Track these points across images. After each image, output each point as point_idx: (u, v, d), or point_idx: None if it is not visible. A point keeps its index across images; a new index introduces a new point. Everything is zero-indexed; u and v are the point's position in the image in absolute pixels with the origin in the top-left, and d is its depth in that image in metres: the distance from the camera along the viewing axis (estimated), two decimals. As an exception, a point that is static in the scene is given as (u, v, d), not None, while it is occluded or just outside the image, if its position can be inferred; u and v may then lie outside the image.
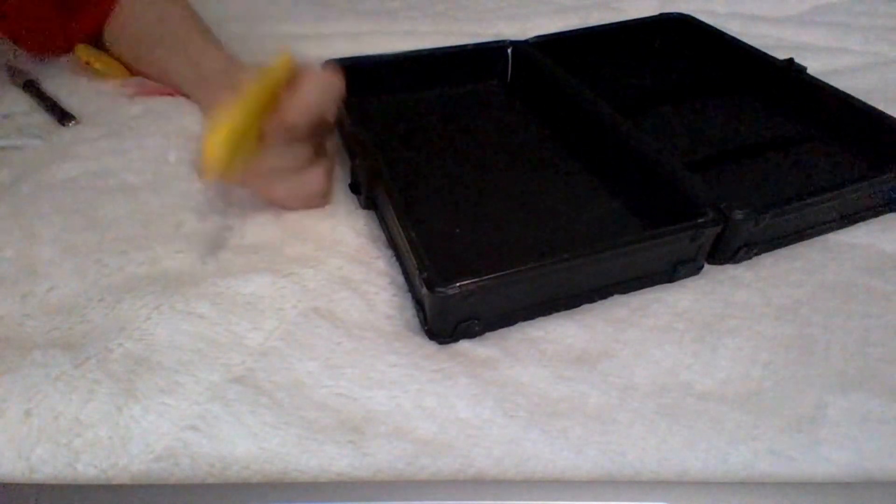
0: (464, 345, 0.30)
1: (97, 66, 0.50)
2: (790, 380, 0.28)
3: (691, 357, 0.29)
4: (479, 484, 0.24)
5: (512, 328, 0.30)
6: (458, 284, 0.27)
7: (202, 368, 0.28)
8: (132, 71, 0.51)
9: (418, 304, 0.31)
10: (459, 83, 0.49)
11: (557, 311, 0.31)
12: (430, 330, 0.30)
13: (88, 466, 0.24)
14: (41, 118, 0.46)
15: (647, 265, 0.32)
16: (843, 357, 0.29)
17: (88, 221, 0.36)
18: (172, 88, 0.48)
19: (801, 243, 0.36)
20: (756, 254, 0.35)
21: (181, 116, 0.45)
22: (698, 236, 0.31)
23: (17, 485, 0.24)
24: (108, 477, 0.24)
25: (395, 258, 0.34)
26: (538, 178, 0.40)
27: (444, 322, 0.29)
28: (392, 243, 0.35)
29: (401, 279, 0.33)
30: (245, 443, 0.25)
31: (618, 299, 0.32)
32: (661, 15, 0.55)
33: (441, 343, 0.30)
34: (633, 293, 0.32)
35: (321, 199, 0.37)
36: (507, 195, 0.38)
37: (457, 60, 0.48)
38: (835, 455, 0.25)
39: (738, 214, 0.32)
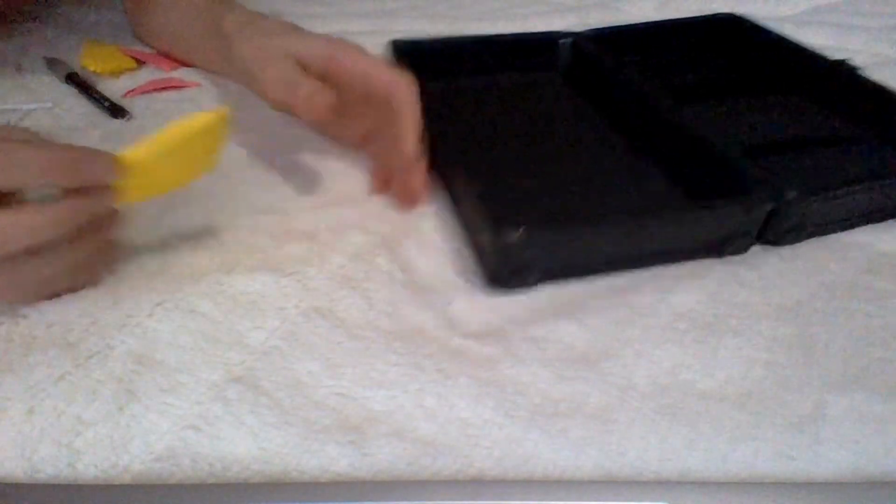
0: (464, 344, 0.30)
1: (94, 68, 0.50)
2: (790, 380, 0.28)
3: (692, 357, 0.29)
4: (479, 484, 0.24)
5: (513, 328, 0.30)
6: (520, 229, 0.29)
7: (203, 367, 0.28)
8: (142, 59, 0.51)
9: (479, 254, 0.33)
10: (516, 70, 0.50)
11: (608, 272, 0.33)
12: (490, 277, 0.32)
13: (89, 466, 0.24)
14: (90, 111, 0.46)
15: (698, 237, 0.34)
16: (843, 357, 0.29)
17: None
18: (178, 81, 0.49)
19: (801, 243, 0.36)
20: (806, 237, 0.36)
21: (182, 114, 0.46)
22: (750, 211, 0.33)
23: (19, 485, 0.24)
24: (108, 477, 0.24)
25: (395, 259, 0.34)
26: (591, 158, 0.42)
27: (503, 268, 0.31)
28: (455, 203, 0.37)
29: (401, 276, 0.33)
30: (245, 443, 0.25)
31: (619, 299, 0.32)
32: (713, 14, 0.56)
33: (499, 289, 0.32)
34: (634, 293, 0.32)
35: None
36: (561, 172, 0.40)
37: (515, 48, 0.50)
38: (835, 455, 0.25)
39: (791, 194, 0.33)
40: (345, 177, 0.40)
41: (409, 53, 0.46)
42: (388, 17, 0.63)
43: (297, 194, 0.39)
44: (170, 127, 0.30)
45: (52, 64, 0.51)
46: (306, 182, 0.40)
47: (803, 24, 0.62)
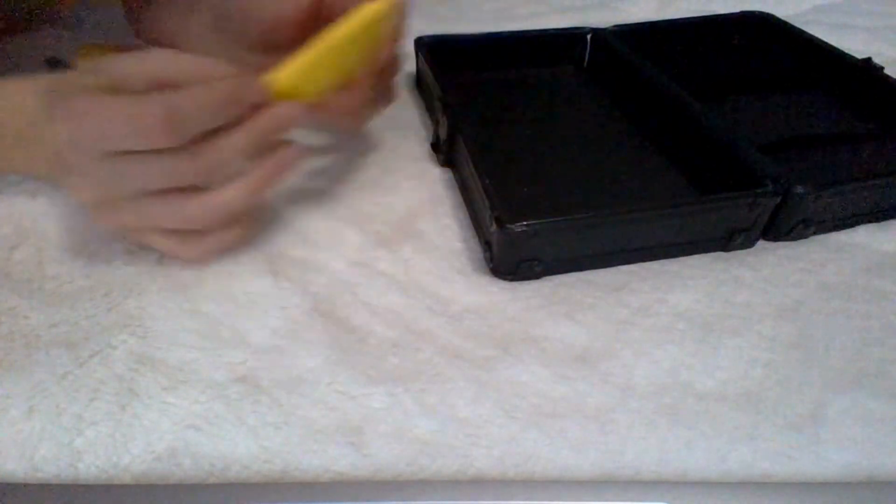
0: (464, 344, 0.30)
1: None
2: (790, 380, 0.28)
3: (692, 357, 0.29)
4: (479, 484, 0.24)
5: (512, 328, 0.30)
6: (524, 223, 0.30)
7: (205, 367, 0.28)
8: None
9: (486, 244, 0.33)
10: (539, 65, 0.52)
11: (613, 264, 0.34)
12: (496, 268, 0.33)
13: (90, 466, 0.25)
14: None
15: (704, 229, 0.34)
16: (843, 357, 0.29)
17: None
18: None
19: (802, 243, 0.36)
20: (813, 233, 0.36)
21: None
22: (756, 205, 0.33)
23: (20, 485, 0.24)
24: (109, 477, 0.24)
25: (395, 259, 0.34)
26: (606, 152, 0.42)
27: (509, 260, 0.32)
28: (465, 194, 0.38)
29: (400, 276, 0.33)
30: (246, 442, 0.25)
31: (619, 298, 0.32)
32: (741, 12, 0.56)
33: (505, 280, 0.33)
34: (634, 292, 0.32)
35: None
36: (575, 165, 0.41)
37: (538, 43, 0.51)
38: (835, 455, 0.25)
39: (799, 189, 0.33)
40: (339, 175, 0.40)
41: (433, 49, 0.47)
42: (388, 17, 0.63)
43: (290, 192, 0.39)
44: (328, 31, 0.30)
45: (52, 64, 0.51)
46: (298, 180, 0.40)
47: (804, 24, 0.62)
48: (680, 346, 0.30)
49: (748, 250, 0.35)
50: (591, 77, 0.51)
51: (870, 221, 0.37)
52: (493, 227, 0.31)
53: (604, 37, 0.50)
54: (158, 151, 0.26)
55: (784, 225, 0.35)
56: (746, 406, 0.27)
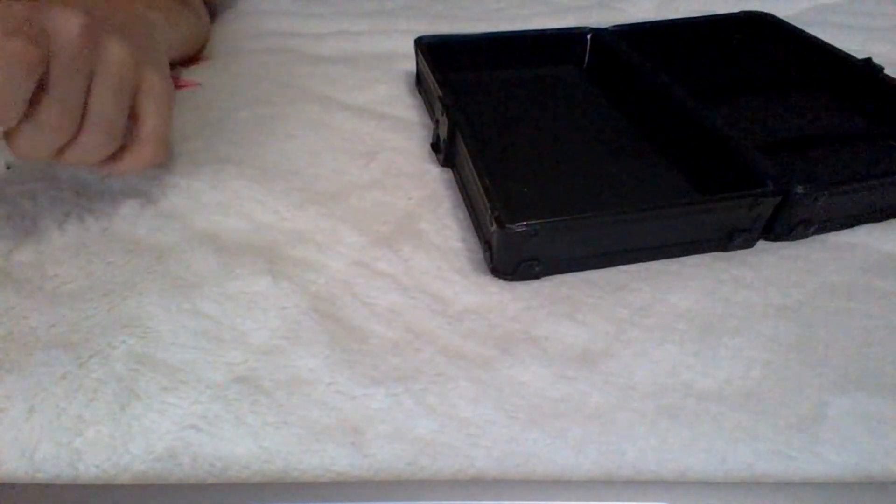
0: (464, 344, 0.30)
1: None
2: (790, 380, 0.28)
3: (692, 357, 0.29)
4: (479, 484, 0.24)
5: (513, 328, 0.30)
6: (524, 223, 0.30)
7: (205, 367, 0.28)
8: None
9: (486, 244, 0.34)
10: (538, 65, 0.52)
11: (613, 264, 0.34)
12: (495, 268, 0.33)
13: (90, 466, 0.25)
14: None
15: (704, 230, 0.34)
16: (843, 357, 0.29)
17: (93, 219, 0.36)
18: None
19: (802, 243, 0.36)
20: (814, 233, 0.36)
21: (181, 113, 0.46)
22: (756, 205, 0.33)
23: (19, 485, 0.24)
24: (109, 477, 0.24)
25: (394, 258, 0.34)
26: (606, 153, 0.42)
27: (509, 260, 0.32)
28: (465, 194, 0.38)
29: (404, 279, 0.33)
30: (246, 442, 0.25)
31: (619, 298, 0.32)
32: (741, 12, 0.56)
33: (505, 280, 0.33)
34: (634, 292, 0.32)
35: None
36: (575, 165, 0.41)
37: (537, 43, 0.51)
38: (835, 455, 0.25)
39: (799, 189, 0.33)
40: (336, 175, 0.40)
41: (433, 49, 0.47)
42: (387, 16, 0.63)
43: (287, 190, 0.39)
44: None
45: None
46: (295, 179, 0.40)
47: (804, 24, 0.62)
48: (680, 346, 0.30)
49: (748, 250, 0.35)
50: (591, 77, 0.51)
51: (870, 221, 0.37)
52: (493, 227, 0.31)
53: (604, 37, 0.50)
54: None
55: (784, 225, 0.35)
56: (746, 406, 0.27)
